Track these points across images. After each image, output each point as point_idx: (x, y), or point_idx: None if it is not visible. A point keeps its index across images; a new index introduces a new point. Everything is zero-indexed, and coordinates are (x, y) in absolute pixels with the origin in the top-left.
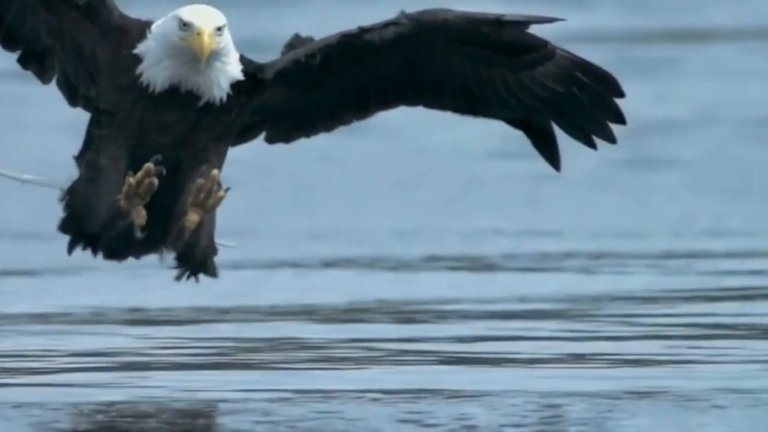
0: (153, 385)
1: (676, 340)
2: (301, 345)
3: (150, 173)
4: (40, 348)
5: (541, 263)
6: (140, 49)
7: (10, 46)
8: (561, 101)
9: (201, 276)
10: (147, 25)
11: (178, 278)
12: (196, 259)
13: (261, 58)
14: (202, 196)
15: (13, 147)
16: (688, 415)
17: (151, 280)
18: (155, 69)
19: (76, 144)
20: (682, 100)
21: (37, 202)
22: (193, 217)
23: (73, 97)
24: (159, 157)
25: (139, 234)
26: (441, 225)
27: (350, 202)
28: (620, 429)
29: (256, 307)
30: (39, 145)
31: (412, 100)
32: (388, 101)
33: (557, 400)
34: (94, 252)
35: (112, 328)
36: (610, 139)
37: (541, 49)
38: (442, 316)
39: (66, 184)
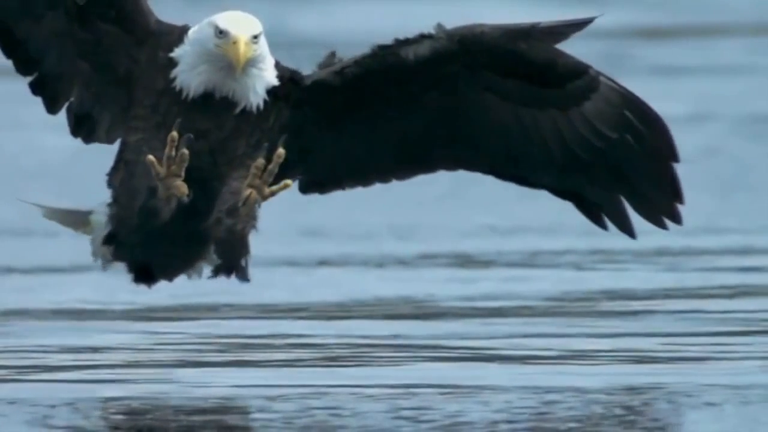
0: (149, 382)
1: (671, 337)
2: (297, 342)
3: (175, 142)
4: (36, 345)
5: (535, 260)
6: (176, 53)
7: (27, 70)
8: (616, 154)
9: (231, 276)
10: (185, 29)
11: (214, 275)
12: (232, 253)
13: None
14: (258, 180)
15: (12, 146)
16: (681, 412)
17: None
18: (189, 74)
19: (77, 144)
20: (676, 97)
21: (36, 200)
22: (251, 194)
23: (80, 124)
24: (179, 120)
25: (186, 200)
26: (435, 222)
27: (345, 199)
28: (614, 425)
29: (251, 305)
30: (38, 144)
31: (451, 157)
32: (425, 157)
33: (551, 397)
34: (130, 271)
35: (108, 325)
36: (672, 215)
37: (584, 75)
38: (437, 313)
39: (98, 207)
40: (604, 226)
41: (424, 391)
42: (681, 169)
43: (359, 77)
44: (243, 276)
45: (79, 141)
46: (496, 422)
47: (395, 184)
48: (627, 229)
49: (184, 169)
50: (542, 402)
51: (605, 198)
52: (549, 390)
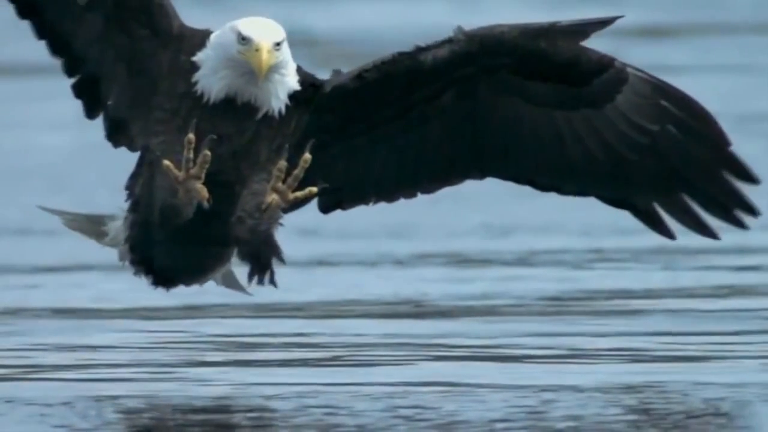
0: (146, 380)
1: (667, 336)
2: (293, 341)
3: (192, 145)
4: (34, 343)
5: (531, 259)
6: (198, 57)
7: (72, 71)
8: (663, 147)
9: (261, 279)
10: (207, 34)
11: (251, 279)
12: (260, 254)
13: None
14: (282, 185)
15: (9, 145)
16: (678, 408)
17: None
18: (211, 79)
19: (75, 143)
20: None
21: (34, 199)
22: (273, 198)
23: (115, 129)
24: (195, 122)
25: (207, 205)
26: (431, 221)
27: None
28: (610, 424)
29: (247, 304)
30: (36, 144)
31: (477, 165)
32: (448, 167)
33: (547, 395)
34: (148, 274)
35: (106, 324)
36: (744, 206)
37: (609, 68)
38: (433, 312)
39: (120, 213)
40: (670, 235)
41: (420, 390)
42: None
43: (378, 81)
44: (270, 277)
45: (76, 141)
46: (492, 421)
47: None
48: (704, 230)
49: (204, 171)
50: (539, 401)
51: (667, 202)
52: (545, 389)
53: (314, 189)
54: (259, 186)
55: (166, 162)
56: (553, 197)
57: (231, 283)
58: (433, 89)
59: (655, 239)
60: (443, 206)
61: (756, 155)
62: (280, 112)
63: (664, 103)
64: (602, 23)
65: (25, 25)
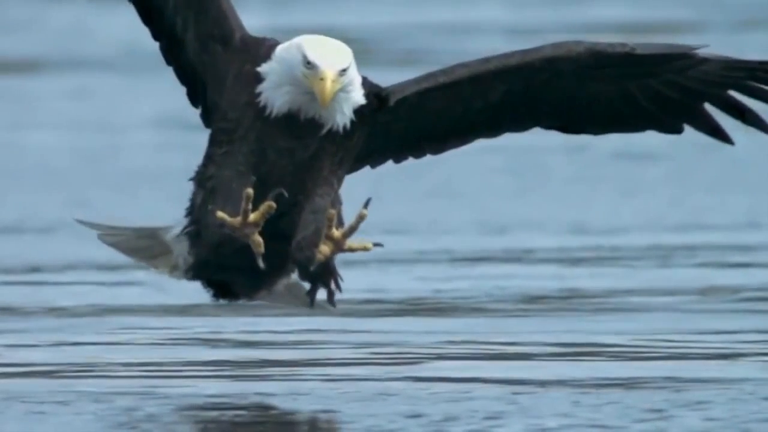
0: (142, 378)
1: (662, 334)
2: (288, 340)
3: (250, 199)
4: (33, 342)
5: (526, 257)
6: (263, 68)
7: (193, 100)
8: (753, 84)
9: (318, 295)
10: (273, 45)
11: (310, 299)
12: (317, 277)
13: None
14: (336, 233)
15: (7, 145)
16: (671, 406)
17: (142, 278)
18: (274, 92)
19: (69, 142)
20: None
21: (28, 197)
22: (324, 250)
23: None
24: (254, 179)
25: (262, 264)
26: (426, 219)
27: None
28: (605, 419)
29: (244, 304)
30: (34, 144)
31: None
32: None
33: (541, 392)
34: (209, 287)
35: (100, 323)
36: None
37: (688, 57)
38: (428, 310)
39: (176, 229)
40: (730, 140)
41: (414, 387)
42: (672, 167)
43: (445, 96)
44: (330, 300)
45: (70, 140)
46: (486, 418)
47: (384, 182)
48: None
49: (263, 221)
50: (533, 397)
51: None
52: (540, 384)
53: (370, 245)
54: (321, 201)
55: (221, 214)
56: (549, 195)
57: (295, 295)
58: (499, 95)
59: (651, 238)
60: (437, 203)
61: (754, 151)
62: (344, 127)
63: (751, 63)
64: (678, 50)
65: (19, 23)
